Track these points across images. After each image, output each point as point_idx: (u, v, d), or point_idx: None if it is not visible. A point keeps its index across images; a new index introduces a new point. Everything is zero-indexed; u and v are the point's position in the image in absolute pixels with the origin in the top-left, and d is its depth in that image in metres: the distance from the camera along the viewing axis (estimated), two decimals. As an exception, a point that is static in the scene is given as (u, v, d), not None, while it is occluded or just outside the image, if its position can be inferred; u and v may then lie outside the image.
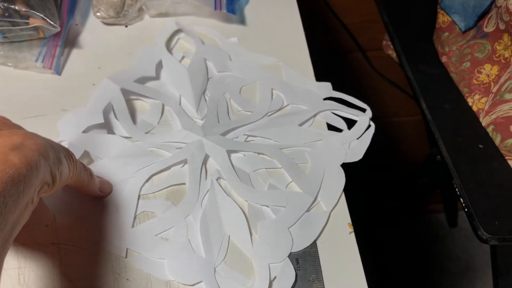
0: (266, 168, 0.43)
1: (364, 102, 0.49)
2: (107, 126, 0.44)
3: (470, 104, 0.63)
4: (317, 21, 0.92)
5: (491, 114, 0.59)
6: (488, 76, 0.60)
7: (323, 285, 0.37)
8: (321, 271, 0.37)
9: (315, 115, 0.48)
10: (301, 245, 0.38)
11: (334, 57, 1.01)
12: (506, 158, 0.56)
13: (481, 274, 1.21)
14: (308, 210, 0.40)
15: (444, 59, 0.68)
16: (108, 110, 0.45)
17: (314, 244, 0.39)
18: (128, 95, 0.47)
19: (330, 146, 0.45)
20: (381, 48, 0.97)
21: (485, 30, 0.60)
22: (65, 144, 0.42)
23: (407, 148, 1.22)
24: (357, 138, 0.46)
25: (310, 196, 0.41)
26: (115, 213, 0.39)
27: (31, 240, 0.37)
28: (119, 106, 0.45)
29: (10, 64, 0.48)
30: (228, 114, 0.47)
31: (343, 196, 0.42)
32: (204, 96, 0.48)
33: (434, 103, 0.64)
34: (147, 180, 0.41)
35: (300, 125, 0.47)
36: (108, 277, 0.36)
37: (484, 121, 0.60)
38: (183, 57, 0.51)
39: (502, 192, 0.54)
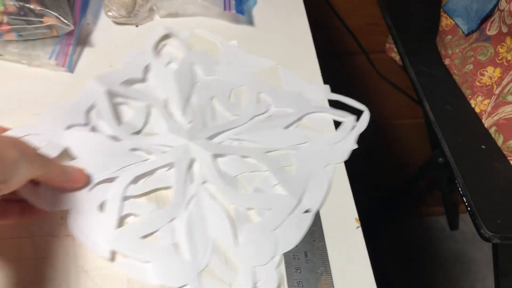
0: (251, 172, 0.43)
1: (365, 104, 0.50)
2: (90, 126, 0.44)
3: (473, 105, 0.64)
4: (321, 23, 0.93)
5: (494, 116, 0.60)
6: (490, 78, 0.61)
7: (331, 277, 0.37)
8: (329, 264, 0.38)
9: (300, 118, 0.48)
10: (286, 247, 0.39)
11: (337, 59, 1.02)
12: (508, 158, 0.57)
13: (482, 277, 1.22)
14: (293, 212, 0.41)
15: (447, 61, 0.69)
16: (91, 110, 0.45)
17: (322, 238, 0.40)
18: (113, 98, 0.46)
19: (316, 148, 0.45)
20: (383, 51, 0.99)
21: (488, 33, 0.61)
22: (45, 140, 0.41)
23: (408, 150, 1.23)
24: (343, 140, 0.46)
25: (295, 198, 0.41)
26: (99, 213, 0.39)
27: (46, 232, 0.38)
28: (104, 106, 0.45)
29: (24, 61, 0.49)
30: (215, 118, 0.47)
31: (350, 191, 0.43)
32: (191, 100, 0.48)
33: (437, 105, 0.65)
34: (132, 182, 0.41)
35: (286, 128, 0.47)
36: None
37: (486, 122, 0.61)
38: (169, 62, 0.51)
39: (504, 191, 0.55)
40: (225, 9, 0.53)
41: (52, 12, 0.48)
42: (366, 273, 0.38)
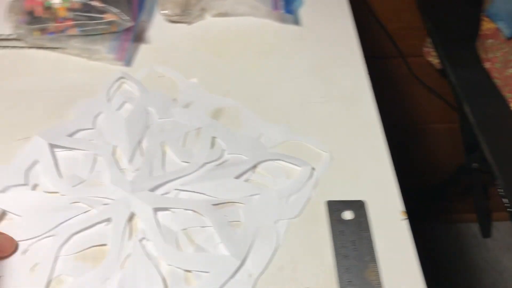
0: (195, 227, 0.41)
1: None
2: (30, 184, 0.43)
3: (514, 108, 0.64)
4: (359, 26, 0.94)
5: (536, 119, 0.60)
6: (533, 81, 0.62)
7: (378, 265, 0.39)
8: (375, 253, 0.40)
9: (254, 166, 0.46)
10: None
11: (373, 62, 1.03)
12: (550, 161, 0.58)
13: (516, 286, 1.20)
14: (234, 276, 0.38)
15: (487, 65, 0.70)
16: (33, 168, 0.44)
17: (368, 229, 0.41)
18: (58, 151, 0.45)
19: (266, 202, 0.43)
20: (420, 55, 0.99)
21: (531, 36, 0.62)
22: None
23: (439, 155, 1.23)
24: (298, 191, 0.44)
25: (237, 260, 0.39)
26: (28, 275, 0.37)
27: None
28: (46, 160, 0.44)
29: (85, 55, 0.53)
30: (163, 165, 0.45)
31: (396, 184, 0.44)
32: (141, 146, 0.47)
33: (478, 108, 0.65)
34: (67, 240, 0.39)
35: (237, 177, 0.44)
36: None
37: (528, 125, 0.62)
38: (124, 103, 0.50)
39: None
40: (274, 8, 0.55)
41: (113, 9, 0.51)
42: (412, 265, 0.39)
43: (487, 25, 0.69)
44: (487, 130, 0.62)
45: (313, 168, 0.45)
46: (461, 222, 1.33)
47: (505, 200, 0.55)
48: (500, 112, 0.65)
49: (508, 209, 0.55)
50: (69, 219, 0.41)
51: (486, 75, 0.70)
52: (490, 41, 0.69)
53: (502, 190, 0.56)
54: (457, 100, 0.68)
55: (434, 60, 0.95)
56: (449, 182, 1.14)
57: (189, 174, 0.44)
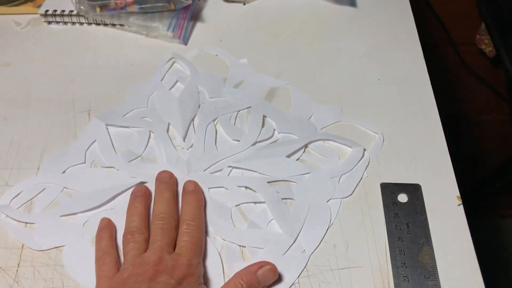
0: (248, 203, 0.42)
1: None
2: (90, 162, 0.44)
3: None
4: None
5: None
6: None
7: (433, 249, 0.39)
8: (430, 237, 0.39)
9: (305, 146, 0.46)
10: None
11: (423, 50, 1.01)
12: None
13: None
14: (287, 252, 0.39)
15: (547, 53, 0.67)
16: (93, 148, 0.45)
17: (424, 212, 0.41)
18: (115, 129, 0.47)
19: (318, 181, 0.43)
20: (471, 43, 0.96)
21: None
22: (43, 186, 0.42)
23: (486, 148, 1.20)
24: (349, 171, 0.44)
25: (290, 238, 0.39)
26: (88, 246, 0.39)
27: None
28: (103, 138, 0.45)
29: (143, 32, 0.54)
30: (216, 143, 0.46)
31: (451, 168, 0.43)
32: (193, 124, 0.47)
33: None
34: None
35: (288, 156, 0.45)
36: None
37: None
38: (176, 82, 0.51)
39: None
40: (330, -11, 0.55)
41: (172, -13, 0.52)
42: (468, 250, 0.39)
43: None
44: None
45: (365, 149, 0.45)
46: (504, 218, 1.29)
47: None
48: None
49: None
50: (125, 190, 0.42)
51: (544, 64, 0.68)
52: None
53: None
54: (510, 90, 0.66)
55: (487, 48, 0.92)
56: (496, 175, 1.12)
57: (241, 152, 0.45)
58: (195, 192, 0.41)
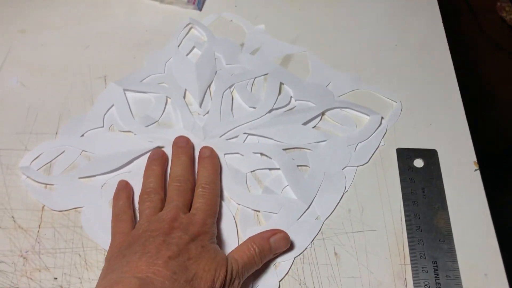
0: (263, 169, 0.42)
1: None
2: (107, 126, 0.45)
3: None
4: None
5: None
6: None
7: (448, 213, 0.39)
8: (446, 201, 0.39)
9: (322, 114, 0.45)
10: (287, 256, 0.37)
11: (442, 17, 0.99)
12: None
13: None
14: (300, 218, 0.39)
15: None
16: (110, 112, 0.45)
17: (440, 177, 0.41)
18: (132, 94, 0.47)
19: (334, 148, 0.43)
20: (492, 10, 0.94)
21: None
22: (62, 149, 0.43)
23: (504, 120, 1.18)
24: (366, 139, 0.44)
25: (304, 204, 0.40)
26: (107, 207, 0.40)
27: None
28: (120, 103, 0.46)
29: (157, -2, 0.54)
30: (232, 110, 0.46)
31: (468, 133, 0.43)
32: (210, 90, 0.47)
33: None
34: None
35: (305, 123, 0.44)
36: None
37: None
38: (193, 47, 0.51)
39: None
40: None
41: (187, -48, 0.51)
42: (484, 215, 0.39)
43: None
44: None
45: (382, 117, 0.45)
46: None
47: None
48: None
49: None
50: (143, 154, 0.42)
51: None
52: None
53: None
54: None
55: (507, 16, 0.90)
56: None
57: (257, 119, 0.45)
58: (211, 157, 0.41)
